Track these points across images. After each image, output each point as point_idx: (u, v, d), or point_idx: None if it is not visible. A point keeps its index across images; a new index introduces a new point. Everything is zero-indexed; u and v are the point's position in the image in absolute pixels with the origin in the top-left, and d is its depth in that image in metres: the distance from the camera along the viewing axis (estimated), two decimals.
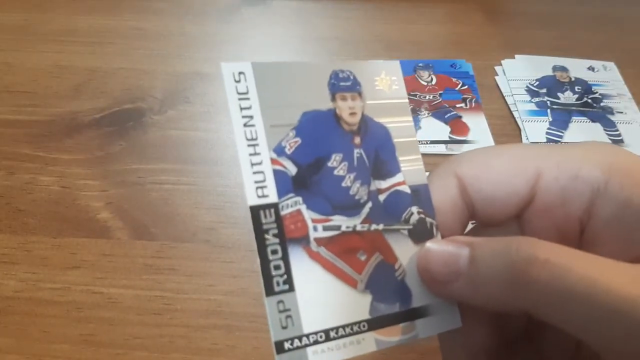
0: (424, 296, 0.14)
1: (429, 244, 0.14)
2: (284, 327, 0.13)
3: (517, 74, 0.36)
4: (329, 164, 0.14)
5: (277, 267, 0.13)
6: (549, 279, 0.12)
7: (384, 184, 0.15)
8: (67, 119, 0.33)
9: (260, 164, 0.14)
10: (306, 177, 0.14)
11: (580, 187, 0.13)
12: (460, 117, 0.34)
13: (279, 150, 0.14)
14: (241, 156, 0.13)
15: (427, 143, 0.32)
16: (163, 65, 0.36)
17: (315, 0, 0.42)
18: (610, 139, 0.33)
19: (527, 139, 0.33)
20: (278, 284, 0.13)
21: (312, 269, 0.14)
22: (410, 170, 0.15)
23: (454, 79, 0.36)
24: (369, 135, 0.15)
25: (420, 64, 0.37)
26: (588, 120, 0.34)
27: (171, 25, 0.39)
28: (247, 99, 0.14)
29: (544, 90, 0.35)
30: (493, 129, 0.33)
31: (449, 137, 0.33)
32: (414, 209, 0.15)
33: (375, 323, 0.14)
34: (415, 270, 0.14)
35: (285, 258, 0.13)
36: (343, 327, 0.14)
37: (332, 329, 0.13)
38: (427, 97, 0.35)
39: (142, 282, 0.25)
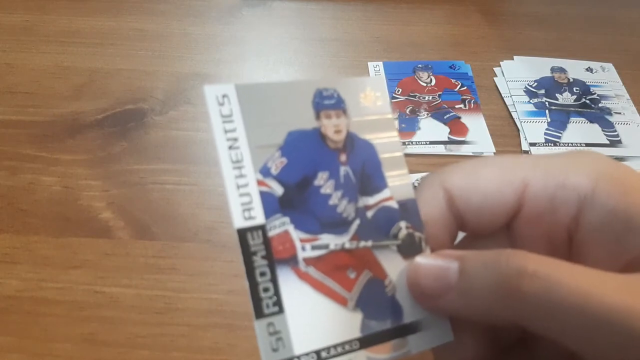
0: (415, 311, 0.14)
1: (418, 259, 0.14)
2: (275, 350, 0.13)
3: (515, 75, 0.37)
4: (316, 183, 0.14)
5: (266, 290, 0.13)
6: (539, 292, 0.12)
7: (371, 200, 0.15)
8: (69, 120, 0.33)
9: (246, 185, 0.13)
10: (293, 196, 0.14)
11: (567, 196, 0.13)
12: (459, 117, 0.34)
13: (265, 171, 0.14)
14: (226, 179, 0.13)
15: (426, 144, 0.32)
16: (164, 66, 0.36)
17: (315, 2, 0.42)
18: (609, 140, 0.33)
19: (526, 139, 0.33)
20: (267, 306, 0.13)
21: (302, 290, 0.14)
22: (397, 185, 0.15)
23: (453, 80, 0.36)
24: (355, 152, 0.15)
25: (420, 65, 0.37)
26: (586, 121, 0.34)
27: (172, 27, 0.39)
28: (232, 121, 0.14)
29: (543, 91, 0.36)
30: (492, 130, 0.33)
31: (448, 137, 0.33)
32: (402, 223, 0.15)
33: (366, 341, 0.14)
34: (405, 286, 0.14)
35: (274, 280, 0.13)
36: (335, 346, 0.13)
37: (323, 349, 0.13)
38: (427, 98, 0.35)
39: (144, 282, 0.26)
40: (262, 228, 0.13)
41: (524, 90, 0.36)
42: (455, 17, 0.41)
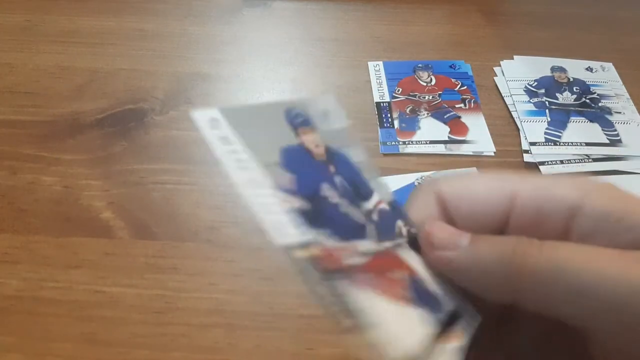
0: (449, 302, 0.14)
1: (429, 226, 0.14)
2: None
3: (515, 75, 0.37)
4: (322, 194, 0.14)
5: (335, 303, 0.12)
6: (549, 270, 0.12)
7: (369, 205, 0.15)
8: (69, 120, 0.33)
9: (271, 204, 0.13)
10: (314, 209, 0.13)
11: (556, 206, 0.14)
12: (460, 117, 0.34)
13: (283, 189, 0.13)
14: (251, 202, 0.13)
15: (426, 143, 0.32)
16: (164, 66, 0.36)
17: (315, 2, 0.42)
18: (609, 139, 0.33)
19: (526, 139, 0.33)
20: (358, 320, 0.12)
21: (372, 298, 0.13)
22: (378, 188, 0.15)
23: (453, 80, 0.36)
24: (339, 163, 0.15)
25: (420, 65, 0.37)
26: (586, 121, 0.34)
27: (172, 26, 0.39)
28: (231, 143, 0.13)
29: (543, 91, 0.36)
30: (492, 129, 0.33)
31: (448, 137, 0.33)
32: (400, 222, 0.15)
33: (440, 334, 0.13)
34: (434, 277, 0.14)
35: (334, 292, 0.12)
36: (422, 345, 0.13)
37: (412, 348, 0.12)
38: (427, 97, 0.35)
39: (144, 281, 0.25)
40: (305, 244, 0.13)
41: (524, 90, 0.36)
42: (455, 17, 0.41)
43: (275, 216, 0.13)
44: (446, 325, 0.14)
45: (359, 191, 0.15)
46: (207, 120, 0.14)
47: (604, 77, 0.37)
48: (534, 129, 0.33)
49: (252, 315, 0.25)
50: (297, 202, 0.13)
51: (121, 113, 0.33)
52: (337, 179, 0.14)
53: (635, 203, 0.13)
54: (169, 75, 0.36)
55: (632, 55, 0.38)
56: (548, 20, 0.41)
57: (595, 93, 0.36)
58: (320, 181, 0.14)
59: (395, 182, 0.30)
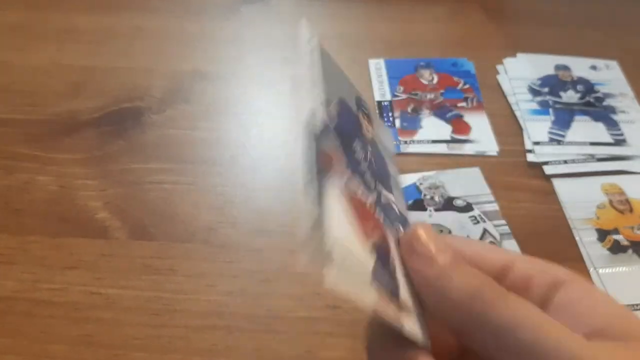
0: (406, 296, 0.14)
1: (419, 228, 0.14)
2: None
3: (519, 73, 0.36)
4: (354, 146, 0.15)
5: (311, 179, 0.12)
6: (506, 322, 0.13)
7: (383, 191, 0.16)
8: (65, 118, 0.32)
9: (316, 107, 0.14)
10: (344, 138, 0.14)
11: (545, 278, 0.15)
12: (462, 116, 0.33)
13: (326, 105, 0.14)
14: (308, 79, 0.14)
15: (428, 142, 0.32)
16: (162, 64, 0.36)
17: None
18: (613, 139, 0.33)
19: (529, 138, 0.32)
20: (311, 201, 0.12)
21: (341, 205, 0.13)
22: (398, 195, 0.17)
23: (455, 78, 0.36)
24: (376, 151, 0.17)
25: (422, 63, 0.36)
26: (590, 120, 0.34)
27: (170, 24, 0.39)
28: (313, 56, 0.15)
29: (546, 89, 0.35)
30: (495, 128, 0.33)
31: (451, 136, 0.32)
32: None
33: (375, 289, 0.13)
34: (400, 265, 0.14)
35: (319, 182, 0.12)
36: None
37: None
38: (429, 96, 0.35)
39: (141, 283, 0.25)
40: (316, 137, 0.13)
41: (528, 89, 0.35)
42: (457, 14, 0.41)
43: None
44: (391, 302, 0.13)
45: (381, 176, 0.16)
46: (306, 35, 0.16)
47: (608, 76, 0.36)
48: (537, 128, 0.33)
49: (251, 318, 0.24)
50: (332, 124, 0.14)
51: (118, 112, 0.33)
52: (369, 153, 0.16)
53: (601, 299, 0.14)
54: (166, 73, 0.35)
55: (637, 54, 0.38)
56: (552, 17, 0.41)
57: (599, 92, 0.35)
58: (355, 137, 0.15)
59: None
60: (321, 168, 0.12)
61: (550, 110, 0.34)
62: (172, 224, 0.27)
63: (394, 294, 0.14)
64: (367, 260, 0.13)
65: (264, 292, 0.25)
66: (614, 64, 0.37)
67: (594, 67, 0.37)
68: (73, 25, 0.38)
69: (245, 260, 0.26)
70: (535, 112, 0.34)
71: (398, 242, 0.15)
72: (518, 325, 0.13)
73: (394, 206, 0.16)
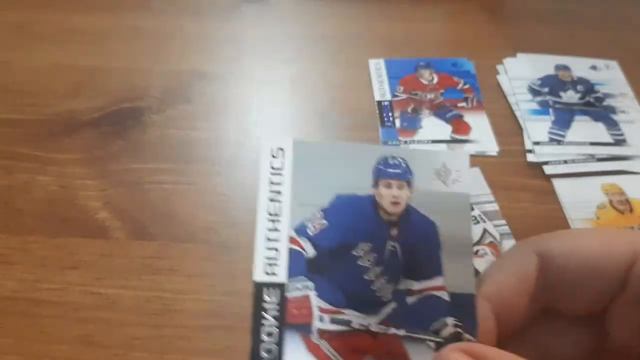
0: None
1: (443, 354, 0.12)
2: None
3: (519, 73, 0.36)
4: (354, 253, 0.13)
5: (268, 351, 0.12)
6: None
7: (416, 285, 0.13)
8: (65, 118, 0.32)
9: (276, 240, 0.13)
10: (325, 262, 0.13)
11: None
12: (462, 116, 0.33)
13: (301, 230, 0.13)
14: (258, 229, 0.13)
15: (428, 142, 0.32)
16: (162, 64, 0.36)
17: None
18: (613, 139, 0.33)
19: (529, 138, 0.32)
20: None
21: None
22: (455, 275, 0.13)
23: (455, 78, 0.36)
24: (410, 229, 0.13)
25: (422, 63, 0.36)
26: (590, 120, 0.34)
27: (170, 24, 0.39)
28: (280, 174, 0.13)
29: (546, 90, 0.35)
30: (495, 129, 0.33)
31: (451, 136, 0.32)
32: (450, 320, 0.13)
33: None
34: None
35: (279, 343, 0.12)
36: None
37: None
38: (429, 96, 0.35)
39: (141, 283, 0.25)
40: (281, 287, 0.13)
41: (528, 89, 0.35)
42: (457, 14, 0.41)
43: (272, 252, 0.13)
44: None
45: (414, 267, 0.13)
46: (272, 148, 0.14)
47: (608, 76, 0.36)
48: (537, 128, 0.33)
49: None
50: (308, 248, 0.13)
51: (118, 112, 0.33)
52: (390, 244, 0.13)
53: None
54: (166, 73, 0.35)
55: (637, 54, 0.38)
56: (552, 17, 0.41)
57: (599, 92, 0.35)
58: (361, 239, 0.13)
59: None
60: (285, 321, 0.12)
61: (550, 110, 0.34)
62: (172, 224, 0.27)
63: None
64: None
65: None
66: (614, 64, 0.37)
67: (594, 67, 0.37)
68: (73, 25, 0.38)
69: (246, 260, 0.26)
70: (535, 112, 0.34)
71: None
72: None
73: (442, 293, 0.13)
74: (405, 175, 0.14)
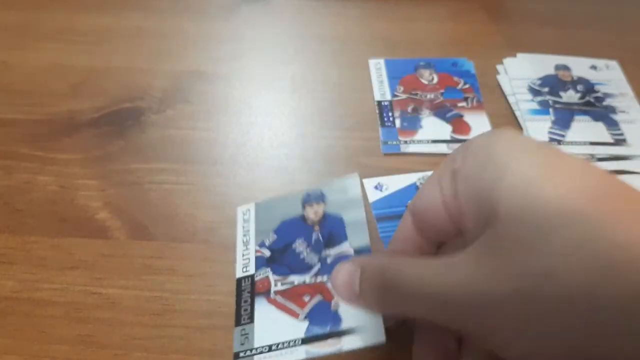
0: (352, 319, 0.19)
1: (337, 265, 0.18)
2: (242, 344, 0.21)
3: (519, 73, 0.36)
4: (294, 246, 0.22)
5: (245, 310, 0.22)
6: (394, 287, 0.16)
7: (332, 252, 0.22)
8: (65, 118, 0.32)
9: (248, 254, 0.24)
10: (276, 256, 0.23)
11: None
12: (462, 116, 0.33)
13: (262, 244, 0.24)
14: (237, 251, 0.24)
15: (428, 142, 0.32)
16: (162, 64, 0.36)
17: None
18: (613, 139, 0.33)
19: None
20: (244, 319, 0.22)
21: (268, 309, 0.21)
22: (356, 239, 0.21)
23: (455, 78, 0.36)
24: (326, 224, 0.22)
25: (422, 63, 0.36)
26: (590, 120, 0.34)
27: (170, 24, 0.39)
28: (248, 221, 0.25)
29: (546, 89, 0.35)
30: (495, 128, 0.33)
31: (451, 136, 0.32)
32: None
33: (307, 340, 0.20)
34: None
35: (252, 304, 0.22)
36: (282, 342, 0.20)
37: (274, 344, 0.20)
38: (429, 96, 0.35)
39: (141, 283, 0.25)
40: (251, 277, 0.23)
41: (528, 88, 0.35)
42: (457, 14, 0.41)
43: (246, 260, 0.23)
44: (329, 337, 0.19)
45: (330, 242, 0.22)
46: (243, 212, 0.25)
47: (608, 76, 0.36)
48: (537, 128, 0.33)
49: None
50: (265, 252, 0.23)
51: (118, 112, 0.33)
52: (315, 235, 0.22)
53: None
54: (166, 73, 0.35)
55: (637, 53, 0.38)
56: (552, 17, 0.41)
57: (599, 92, 0.35)
58: (297, 238, 0.23)
59: (396, 182, 0.29)
60: (255, 292, 0.22)
61: (551, 110, 0.34)
62: (172, 224, 0.27)
63: (334, 326, 0.19)
64: (297, 331, 0.20)
65: None
66: (614, 63, 0.37)
67: (594, 67, 0.37)
68: (73, 25, 0.38)
69: None
70: (535, 112, 0.34)
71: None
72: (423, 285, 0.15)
73: (349, 251, 0.21)
74: (321, 198, 0.23)
